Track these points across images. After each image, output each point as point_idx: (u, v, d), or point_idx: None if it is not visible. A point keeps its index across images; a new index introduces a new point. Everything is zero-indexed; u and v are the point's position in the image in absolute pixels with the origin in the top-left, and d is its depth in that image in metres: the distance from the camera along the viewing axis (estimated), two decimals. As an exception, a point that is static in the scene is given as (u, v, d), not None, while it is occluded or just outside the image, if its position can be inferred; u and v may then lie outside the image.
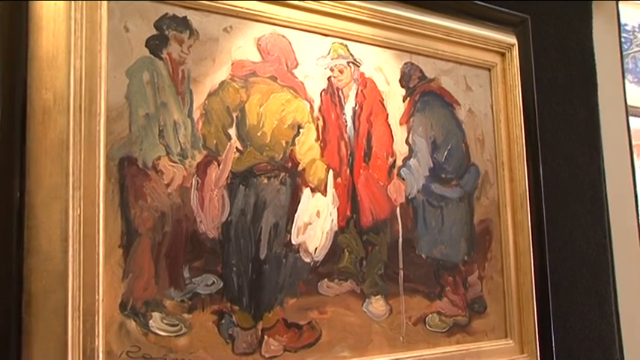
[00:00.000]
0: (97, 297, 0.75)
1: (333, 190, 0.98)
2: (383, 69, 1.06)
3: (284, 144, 0.97)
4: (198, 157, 0.89)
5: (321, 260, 0.94)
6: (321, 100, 1.03)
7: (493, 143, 1.22)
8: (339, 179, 0.98)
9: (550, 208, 1.26)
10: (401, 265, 1.02)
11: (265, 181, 0.95)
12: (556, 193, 1.29)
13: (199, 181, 0.88)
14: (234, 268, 0.91)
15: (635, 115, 1.56)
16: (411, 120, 1.07)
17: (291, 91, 1.00)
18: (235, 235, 0.91)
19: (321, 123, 0.98)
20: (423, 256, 1.05)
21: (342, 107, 1.05)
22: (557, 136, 1.33)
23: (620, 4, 1.45)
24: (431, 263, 1.10)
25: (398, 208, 1.03)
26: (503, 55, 1.23)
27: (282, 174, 0.96)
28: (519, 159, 1.21)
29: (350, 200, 1.03)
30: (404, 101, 1.07)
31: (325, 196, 0.97)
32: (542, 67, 1.31)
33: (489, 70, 1.23)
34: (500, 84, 1.23)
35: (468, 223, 1.16)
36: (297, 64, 1.00)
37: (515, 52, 1.23)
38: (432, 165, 1.08)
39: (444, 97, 1.17)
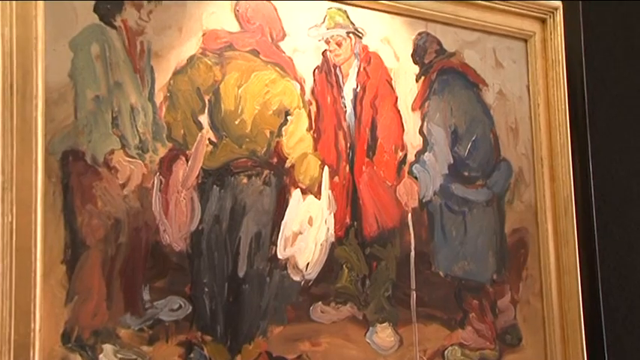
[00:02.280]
0: (32, 326, 0.75)
1: (329, 191, 1.01)
2: (391, 41, 1.07)
3: (268, 134, 0.98)
4: (162, 151, 0.91)
5: (313, 279, 0.98)
6: (314, 80, 1.05)
7: (529, 133, 1.22)
8: (336, 178, 1.02)
9: (602, 214, 1.25)
10: (413, 286, 1.05)
11: (245, 180, 0.97)
12: (610, 195, 1.28)
13: (163, 180, 0.90)
14: (206, 289, 0.93)
15: None
16: (426, 104, 1.11)
17: (277, 68, 1.02)
18: (208, 248, 0.93)
19: (314, 108, 1.01)
20: (441, 273, 1.08)
21: (340, 89, 1.07)
22: (611, 125, 1.30)
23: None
24: (451, 283, 1.10)
25: (409, 214, 1.06)
26: (543, 21, 1.22)
27: (266, 172, 0.98)
28: (562, 153, 1.21)
29: (350, 204, 1.03)
30: (417, 81, 1.11)
31: (319, 199, 1.00)
32: (594, 37, 1.27)
33: (525, 41, 1.23)
34: (540, 59, 1.22)
35: (498, 233, 1.16)
36: (284, 35, 1.02)
37: (560, 17, 1.22)
38: (451, 160, 1.12)
39: (467, 75, 1.19)
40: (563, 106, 1.21)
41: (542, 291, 1.18)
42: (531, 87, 1.22)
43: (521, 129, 1.22)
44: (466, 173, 1.14)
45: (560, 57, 1.20)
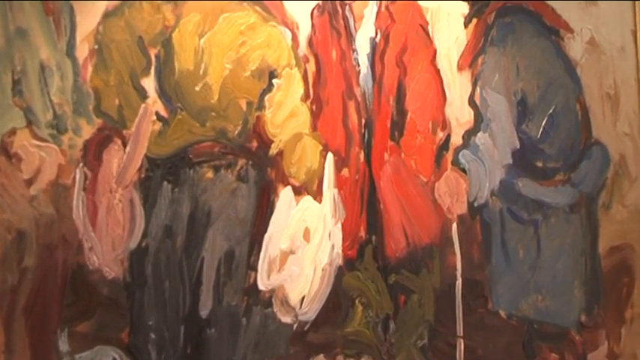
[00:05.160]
0: None
1: (335, 190, 1.01)
2: (428, -34, 1.11)
3: (244, 107, 0.99)
4: (87, 131, 0.92)
5: (312, 320, 0.99)
6: (313, 26, 1.03)
7: (636, 103, 1.20)
8: (345, 171, 1.02)
9: None
10: (460, 331, 1.05)
11: (210, 174, 0.97)
12: None
13: (89, 174, 0.91)
14: (153, 336, 0.92)
15: None
16: (480, 61, 1.10)
17: (258, 8, 1.01)
18: (154, 275, 0.93)
19: (312, 68, 1.02)
20: (503, 313, 1.08)
21: (350, 38, 1.05)
22: None
23: None
24: (517, 328, 1.09)
25: (454, 225, 1.06)
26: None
27: (242, 161, 0.98)
28: (686, 133, 1.22)
29: (365, 210, 1.03)
30: (466, 26, 1.11)
31: (320, 201, 1.01)
32: None
33: (630, -34, 1.24)
34: (652, -8, 1.23)
35: (587, 254, 1.15)
36: (267, -41, 1.04)
37: None
38: (517, 144, 1.11)
39: (542, 17, 1.16)
40: (686, 63, 1.21)
41: (656, 340, 1.18)
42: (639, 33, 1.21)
43: (624, 97, 1.19)
44: (540, 163, 1.12)
45: (683, -11, 1.21)
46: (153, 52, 0.95)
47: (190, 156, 0.95)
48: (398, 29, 1.07)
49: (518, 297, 1.09)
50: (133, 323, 0.91)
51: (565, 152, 1.13)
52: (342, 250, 1.02)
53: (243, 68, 0.99)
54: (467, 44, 1.10)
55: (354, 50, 1.05)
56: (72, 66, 0.92)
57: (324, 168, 1.02)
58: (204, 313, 0.94)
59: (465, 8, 1.11)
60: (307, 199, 1.01)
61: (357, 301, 1.02)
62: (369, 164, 1.04)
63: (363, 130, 1.05)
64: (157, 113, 0.94)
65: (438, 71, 1.09)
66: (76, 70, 0.92)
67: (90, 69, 0.92)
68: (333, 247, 1.01)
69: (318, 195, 1.01)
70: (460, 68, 1.10)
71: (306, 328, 0.99)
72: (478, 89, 1.10)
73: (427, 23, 1.09)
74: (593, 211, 1.14)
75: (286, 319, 0.98)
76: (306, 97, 1.02)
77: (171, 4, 0.96)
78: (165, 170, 0.94)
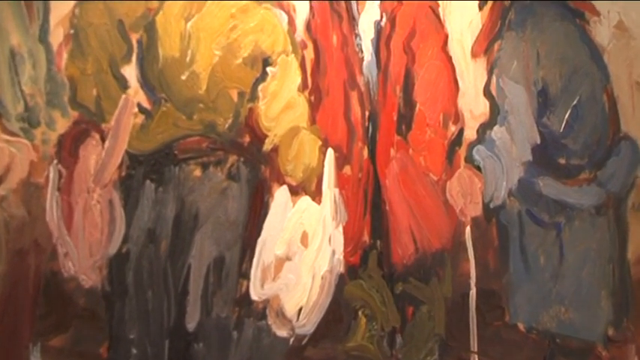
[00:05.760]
0: None
1: (336, 190, 1.01)
2: (438, -57, 1.11)
3: (235, 98, 0.99)
4: (62, 125, 0.92)
5: (310, 334, 0.99)
6: (312, 8, 1.03)
7: None
8: (347, 169, 1.02)
9: None
10: (474, 346, 1.04)
11: (197, 172, 0.96)
12: None
13: (64, 172, 0.92)
14: (134, 350, 0.92)
15: None
16: (496, 47, 1.10)
17: None
18: (136, 283, 0.93)
19: (310, 55, 1.02)
20: (522, 327, 1.07)
21: (352, 22, 1.05)
22: None
23: None
24: (538, 342, 1.09)
25: (468, 229, 1.06)
26: None
27: (232, 158, 0.98)
28: None
29: (369, 212, 1.03)
30: (481, 8, 1.11)
31: (319, 202, 1.00)
32: None
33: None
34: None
35: (616, 260, 1.14)
36: None
37: None
38: (538, 139, 1.10)
39: None
40: None
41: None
42: (674, 17, 1.22)
43: (656, 87, 1.21)
44: (562, 160, 1.12)
45: None
46: (134, 38, 0.95)
47: (176, 152, 0.95)
48: (405, 12, 1.07)
49: (538, 308, 1.08)
50: (113, 337, 0.91)
51: (590, 148, 1.13)
52: (344, 257, 1.01)
53: (234, 55, 0.98)
54: (482, 28, 1.10)
55: (356, 35, 1.05)
56: (45, 53, 0.92)
57: (323, 165, 1.02)
58: (191, 325, 0.94)
59: (479, -13, 1.12)
60: (305, 200, 1.01)
61: (360, 313, 1.02)
62: (374, 161, 1.04)
63: (366, 124, 1.04)
64: (138, 105, 0.94)
65: (449, 58, 1.09)
66: (50, 58, 0.92)
67: (65, 56, 0.92)
68: (333, 252, 1.01)
69: (317, 195, 1.01)
70: (474, 55, 1.10)
71: (303, 343, 0.99)
72: (494, 78, 1.10)
73: (438, 5, 1.09)
74: (621, 213, 1.14)
75: (282, 332, 0.98)
76: (303, 87, 1.02)
77: (154, -16, 0.96)
78: (148, 168, 0.94)
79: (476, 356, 1.05)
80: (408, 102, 1.06)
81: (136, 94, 0.94)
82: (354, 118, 1.03)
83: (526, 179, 1.09)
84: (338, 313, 1.00)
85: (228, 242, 0.96)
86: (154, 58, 0.95)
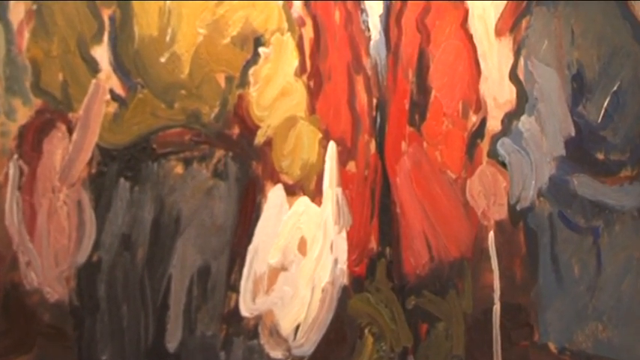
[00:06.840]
0: None
1: (338, 190, 0.98)
2: None
3: (223, 83, 0.95)
4: (23, 114, 0.87)
5: (309, 355, 0.96)
6: None
7: None
8: (351, 165, 0.98)
9: None
10: None
11: (179, 168, 0.92)
12: None
13: (25, 169, 0.86)
14: None
15: None
16: (524, 25, 1.07)
17: None
18: (109, 296, 0.88)
19: (309, 33, 0.98)
20: (553, 347, 1.04)
21: None
22: None
23: None
24: None
25: (491, 234, 1.02)
26: None
27: (220, 153, 0.94)
28: None
29: (377, 215, 1.00)
30: None
31: (319, 204, 0.97)
32: None
33: None
34: None
35: None
36: None
37: None
38: (572, 131, 1.07)
39: None
40: None
41: None
42: None
43: None
44: (601, 155, 1.09)
45: None
46: (106, 14, 0.89)
47: (154, 146, 0.91)
48: (419, -16, 1.05)
49: (572, 326, 1.06)
50: (82, 358, 0.86)
51: (633, 141, 1.11)
52: (348, 266, 0.99)
53: (221, 34, 0.94)
54: (507, 3, 1.06)
55: (362, 11, 1.01)
56: (4, 32, 0.85)
57: (324, 161, 0.99)
58: (171, 345, 0.89)
59: (505, -44, 1.10)
60: (303, 201, 0.97)
61: (366, 331, 0.99)
62: (382, 157, 1.02)
63: (374, 113, 1.02)
64: (111, 91, 0.89)
65: (470, 37, 1.07)
66: (9, 38, 0.86)
67: (27, 35, 0.86)
68: (335, 261, 0.98)
69: (316, 196, 0.98)
70: (499, 34, 1.08)
71: (302, 366, 0.96)
72: (522, 60, 1.08)
73: (456, -23, 1.07)
74: (668, 217, 1.12)
75: (276, 353, 0.94)
76: (301, 70, 0.98)
77: (129, -48, 0.92)
78: (122, 164, 0.89)
79: (500, 381, 1.03)
80: (422, 88, 1.04)
81: (108, 79, 0.89)
82: (359, 107, 1.01)
83: (558, 177, 1.08)
84: (341, 332, 0.97)
85: (215, 250, 0.93)
86: (129, 38, 0.90)
